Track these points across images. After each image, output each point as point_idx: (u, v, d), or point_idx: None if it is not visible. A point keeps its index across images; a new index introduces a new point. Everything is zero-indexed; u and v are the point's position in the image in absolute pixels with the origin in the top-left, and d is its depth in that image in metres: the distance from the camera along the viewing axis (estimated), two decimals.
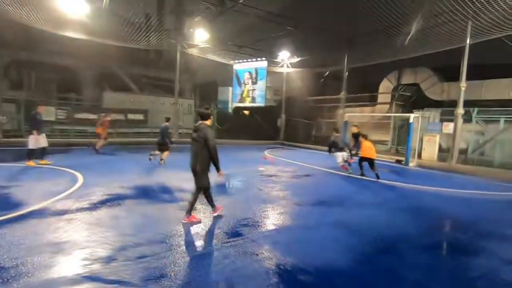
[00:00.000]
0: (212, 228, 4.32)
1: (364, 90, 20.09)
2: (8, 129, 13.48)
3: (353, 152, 9.57)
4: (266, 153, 13.91)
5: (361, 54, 16.40)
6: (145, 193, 5.90)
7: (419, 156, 13.17)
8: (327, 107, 21.09)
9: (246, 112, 21.42)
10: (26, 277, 2.76)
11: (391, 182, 8.41)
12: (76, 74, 19.17)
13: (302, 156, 13.85)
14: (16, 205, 4.70)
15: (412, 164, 12.07)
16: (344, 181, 8.44)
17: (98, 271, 2.96)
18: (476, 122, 12.72)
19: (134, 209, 4.90)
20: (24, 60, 17.71)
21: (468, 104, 12.49)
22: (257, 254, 3.52)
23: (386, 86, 19.98)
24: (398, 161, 12.63)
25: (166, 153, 9.09)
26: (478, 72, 13.61)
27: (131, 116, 16.38)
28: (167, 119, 9.48)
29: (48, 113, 14.18)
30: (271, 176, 8.60)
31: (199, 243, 3.81)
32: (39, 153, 8.03)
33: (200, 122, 4.28)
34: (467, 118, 12.66)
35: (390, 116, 16.81)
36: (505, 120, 11.92)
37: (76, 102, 16.90)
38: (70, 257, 3.19)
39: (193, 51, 17.40)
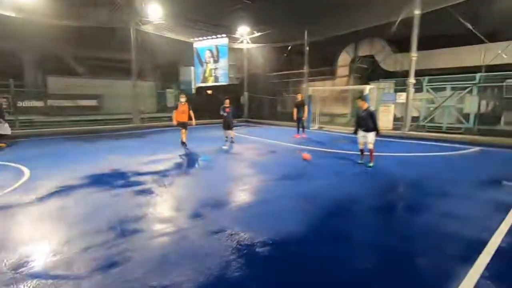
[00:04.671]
0: (172, 211, 4.25)
1: (325, 63, 20.31)
2: None
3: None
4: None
5: (320, 27, 16.40)
6: (98, 182, 5.59)
7: None
8: (292, 82, 21.17)
9: (209, 91, 20.87)
10: None
11: (348, 151, 8.82)
12: (14, 58, 17.11)
13: (267, 133, 13.95)
14: None
15: None
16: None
17: (43, 267, 2.79)
18: (427, 90, 13.56)
19: (84, 199, 4.64)
20: None
21: (420, 74, 13.19)
22: (216, 233, 3.54)
23: (344, 58, 20.32)
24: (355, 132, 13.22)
25: None
26: (431, 42, 14.31)
27: (82, 103, 15.15)
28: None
29: None
30: (236, 154, 8.58)
31: (157, 227, 3.72)
32: None
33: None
34: (419, 87, 13.42)
35: (349, 89, 17.35)
36: (451, 88, 12.84)
37: (17, 89, 15.11)
38: (13, 254, 2.97)
39: (149, 28, 16.25)
